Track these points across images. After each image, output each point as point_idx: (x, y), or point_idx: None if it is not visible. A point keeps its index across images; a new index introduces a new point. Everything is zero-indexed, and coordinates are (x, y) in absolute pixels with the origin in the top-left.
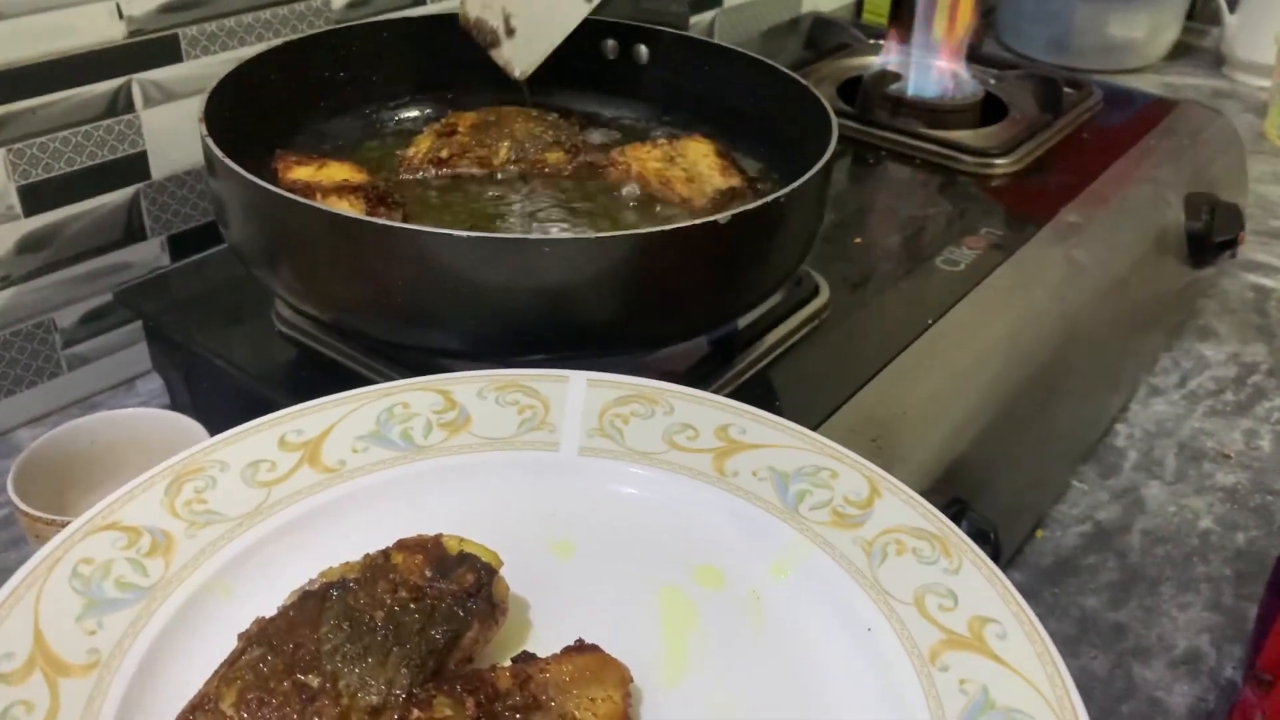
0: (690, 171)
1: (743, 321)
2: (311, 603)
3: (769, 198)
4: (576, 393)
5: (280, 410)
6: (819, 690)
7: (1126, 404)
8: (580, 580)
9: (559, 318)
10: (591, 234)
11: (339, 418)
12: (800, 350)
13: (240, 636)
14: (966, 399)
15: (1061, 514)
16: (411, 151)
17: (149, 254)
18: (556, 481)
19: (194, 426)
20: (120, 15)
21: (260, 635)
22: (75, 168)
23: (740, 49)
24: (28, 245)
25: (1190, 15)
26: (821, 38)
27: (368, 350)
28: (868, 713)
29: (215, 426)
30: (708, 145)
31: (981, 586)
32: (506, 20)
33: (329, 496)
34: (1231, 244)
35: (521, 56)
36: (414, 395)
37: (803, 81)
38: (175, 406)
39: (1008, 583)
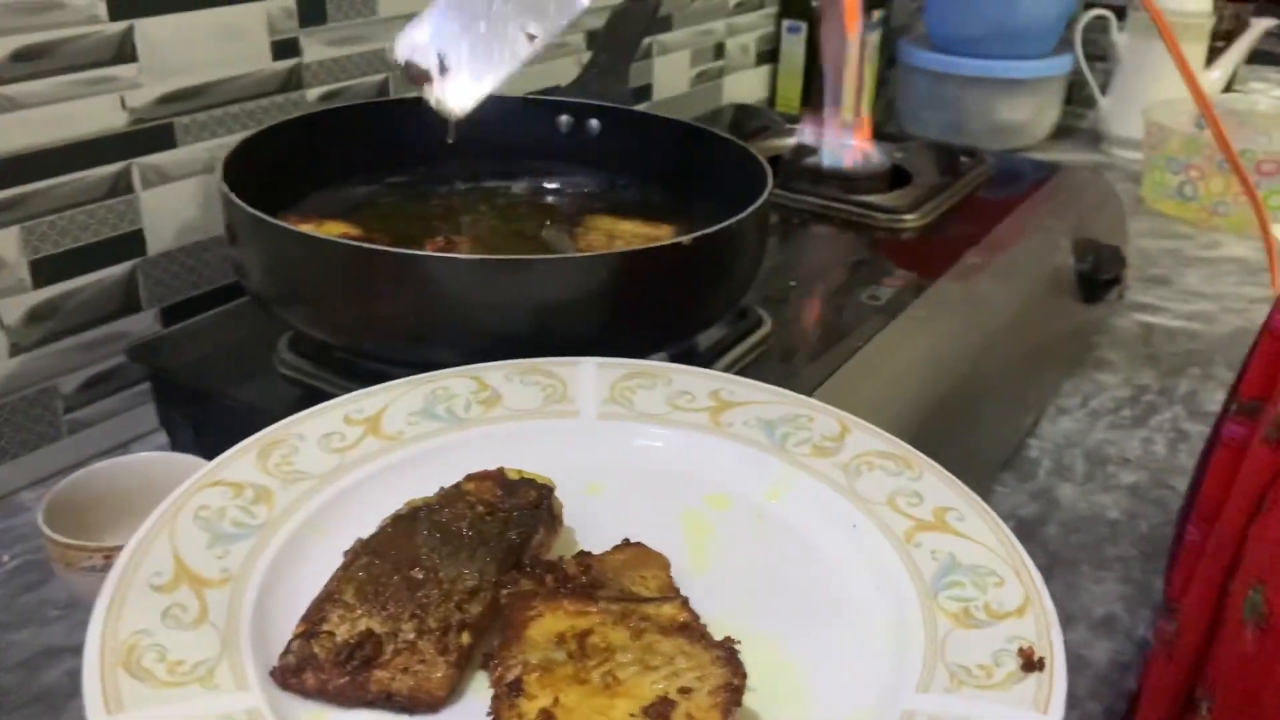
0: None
1: (700, 347)
2: (405, 522)
3: (725, 223)
4: (588, 373)
5: (338, 397)
6: (819, 573)
7: (1037, 422)
8: (612, 511)
9: (546, 330)
10: (578, 254)
11: (391, 400)
12: (748, 372)
13: (346, 552)
14: (893, 413)
15: None
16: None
17: (144, 324)
18: (581, 441)
19: (205, 465)
20: (123, 106)
21: (366, 548)
22: (80, 244)
23: (681, 119)
24: (35, 315)
25: (1069, 100)
26: (743, 122)
27: (365, 381)
28: (861, 584)
29: None
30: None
31: (940, 487)
32: (441, 60)
33: (393, 459)
34: (1115, 282)
35: (456, 96)
36: (452, 381)
37: (737, 140)
38: None
39: (960, 483)
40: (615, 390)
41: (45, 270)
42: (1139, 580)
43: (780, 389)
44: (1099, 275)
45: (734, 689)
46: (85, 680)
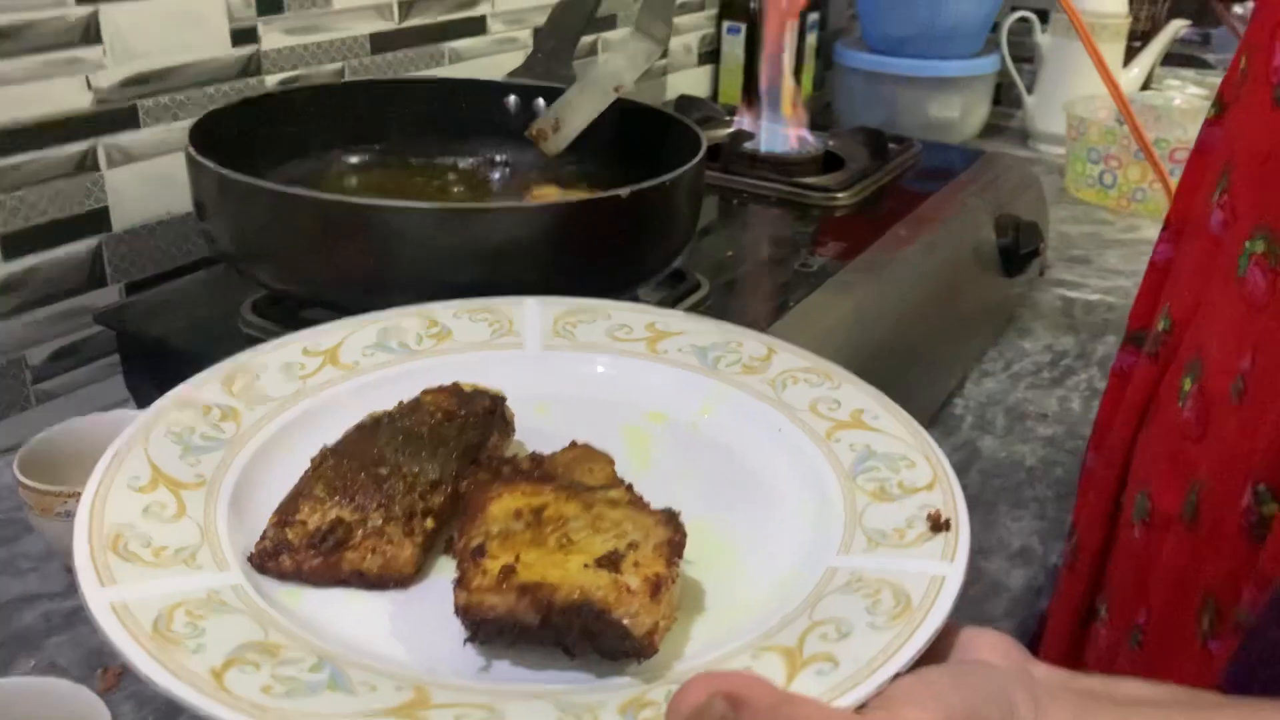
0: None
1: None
2: (368, 428)
3: (661, 178)
4: (532, 310)
5: (297, 332)
6: (749, 469)
7: (961, 384)
8: (558, 428)
9: (496, 278)
10: (525, 203)
11: (346, 334)
12: None
13: (314, 457)
14: None
15: None
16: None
17: (109, 299)
18: (527, 369)
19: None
20: (89, 86)
21: (333, 451)
22: (47, 218)
23: (625, 97)
24: (4, 287)
25: (997, 100)
26: (686, 111)
27: None
28: (786, 476)
29: None
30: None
31: (857, 393)
32: (557, 123)
33: (351, 385)
34: (1035, 255)
35: (556, 141)
36: (403, 319)
37: (675, 115)
38: None
39: (876, 390)
40: (558, 324)
41: (14, 244)
42: (1053, 517)
43: (713, 319)
44: (1019, 248)
45: (675, 543)
46: (77, 560)
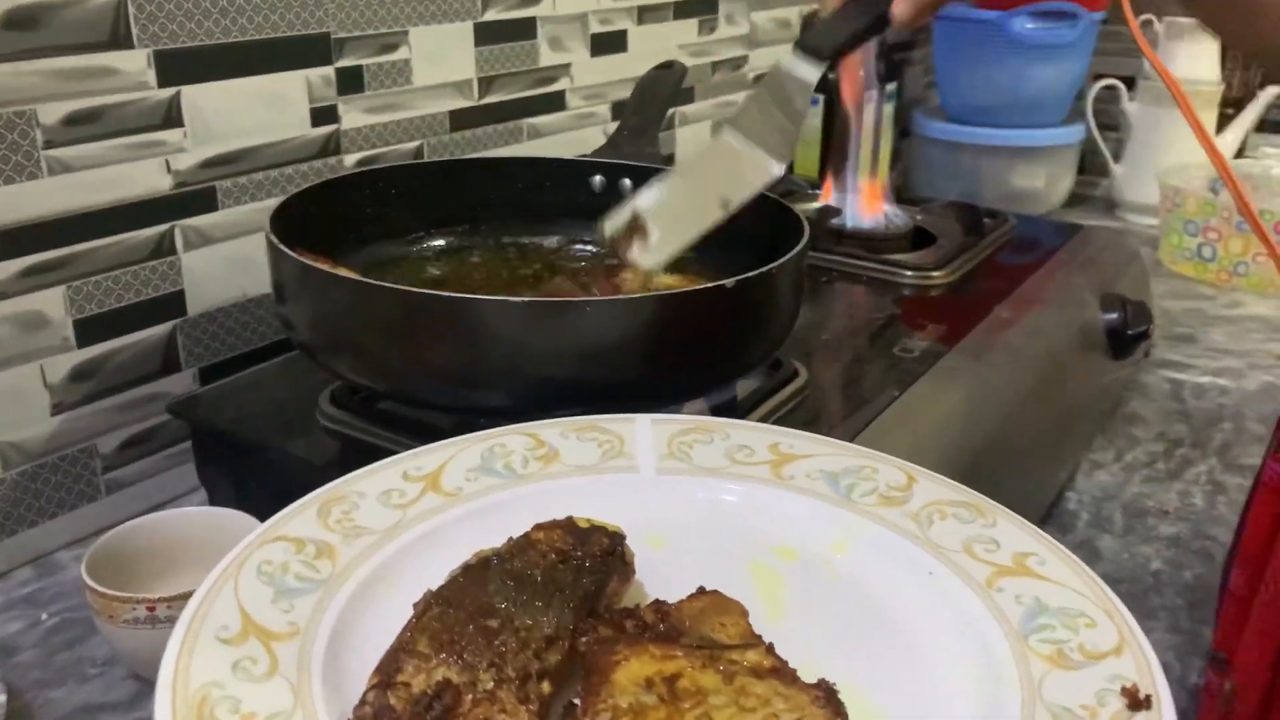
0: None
1: (739, 396)
2: (476, 571)
3: (767, 267)
4: (644, 429)
5: (396, 455)
6: (899, 620)
7: (1073, 476)
8: (678, 564)
9: (590, 373)
10: (622, 295)
11: (449, 456)
12: (787, 421)
13: (416, 604)
14: (930, 464)
15: None
16: None
17: (183, 385)
18: (640, 495)
19: (250, 521)
20: (168, 169)
21: (437, 598)
22: (122, 304)
23: None
24: (79, 375)
25: (1082, 169)
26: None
27: (406, 432)
28: (943, 631)
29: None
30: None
31: (1017, 534)
32: (643, 228)
33: (454, 514)
34: (1144, 336)
35: (652, 254)
36: (508, 438)
37: (774, 196)
38: None
39: (1038, 529)
40: (673, 445)
41: (88, 330)
42: (1187, 629)
43: (840, 441)
44: (1128, 328)
45: None
46: None
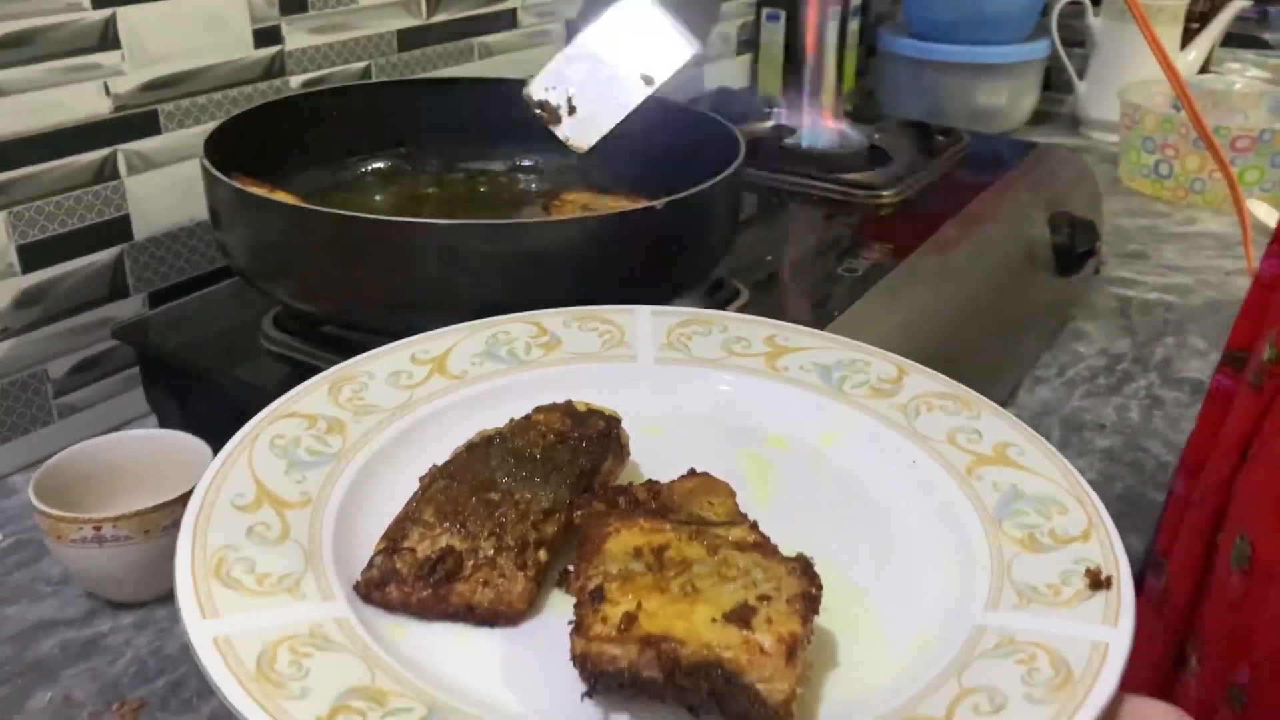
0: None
1: None
2: (479, 448)
3: (697, 188)
4: (644, 320)
5: (404, 339)
6: (881, 505)
7: (1015, 392)
8: (673, 450)
9: (525, 294)
10: (553, 218)
11: (455, 341)
12: None
13: (423, 477)
14: None
15: None
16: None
17: (131, 309)
18: (639, 384)
19: (199, 443)
20: (107, 93)
21: (442, 472)
22: (67, 229)
23: (661, 95)
24: (24, 300)
25: (1047, 85)
26: (724, 105)
27: (349, 354)
28: (923, 515)
29: (216, 445)
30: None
31: (999, 425)
32: (569, 100)
33: (460, 396)
34: (1090, 254)
35: (582, 133)
36: (511, 326)
37: (710, 114)
38: None
39: (1021, 422)
40: (671, 336)
41: (33, 255)
42: (1132, 551)
43: (835, 335)
44: (1074, 247)
45: (811, 598)
46: (179, 589)
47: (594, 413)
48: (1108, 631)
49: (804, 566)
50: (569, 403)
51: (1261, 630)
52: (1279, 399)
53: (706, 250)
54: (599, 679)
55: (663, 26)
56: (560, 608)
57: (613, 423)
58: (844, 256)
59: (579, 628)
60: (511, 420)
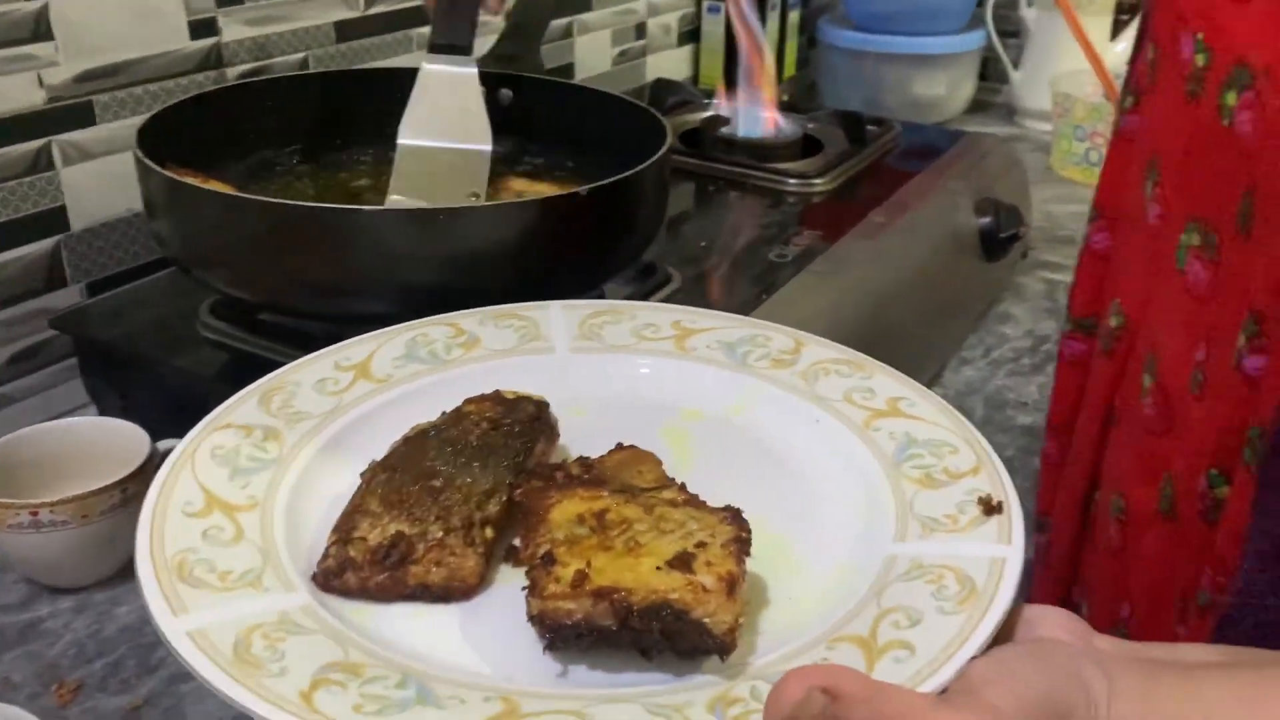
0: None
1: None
2: (415, 441)
3: (622, 174)
4: (556, 313)
5: (325, 348)
6: (791, 463)
7: (940, 372)
8: (596, 429)
9: (456, 280)
10: (484, 204)
11: (375, 347)
12: None
13: (363, 473)
14: None
15: None
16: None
17: (70, 299)
18: (558, 373)
19: (137, 431)
20: (40, 84)
21: (383, 466)
22: (2, 220)
23: (587, 85)
24: None
25: (983, 75)
26: (663, 96)
27: (286, 342)
28: (830, 468)
29: (155, 433)
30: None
31: (891, 383)
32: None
33: (387, 397)
34: (1015, 239)
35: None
36: (429, 328)
37: (640, 103)
38: None
39: (909, 379)
40: (584, 326)
41: None
42: (1030, 510)
43: (736, 315)
44: (999, 232)
45: (743, 541)
46: (146, 592)
47: (523, 399)
48: (1003, 549)
49: (734, 515)
50: (497, 392)
51: (1137, 573)
52: (1130, 362)
53: (634, 235)
54: (556, 634)
55: (453, 152)
56: (510, 581)
57: (542, 406)
58: (775, 242)
59: (534, 590)
60: (444, 413)
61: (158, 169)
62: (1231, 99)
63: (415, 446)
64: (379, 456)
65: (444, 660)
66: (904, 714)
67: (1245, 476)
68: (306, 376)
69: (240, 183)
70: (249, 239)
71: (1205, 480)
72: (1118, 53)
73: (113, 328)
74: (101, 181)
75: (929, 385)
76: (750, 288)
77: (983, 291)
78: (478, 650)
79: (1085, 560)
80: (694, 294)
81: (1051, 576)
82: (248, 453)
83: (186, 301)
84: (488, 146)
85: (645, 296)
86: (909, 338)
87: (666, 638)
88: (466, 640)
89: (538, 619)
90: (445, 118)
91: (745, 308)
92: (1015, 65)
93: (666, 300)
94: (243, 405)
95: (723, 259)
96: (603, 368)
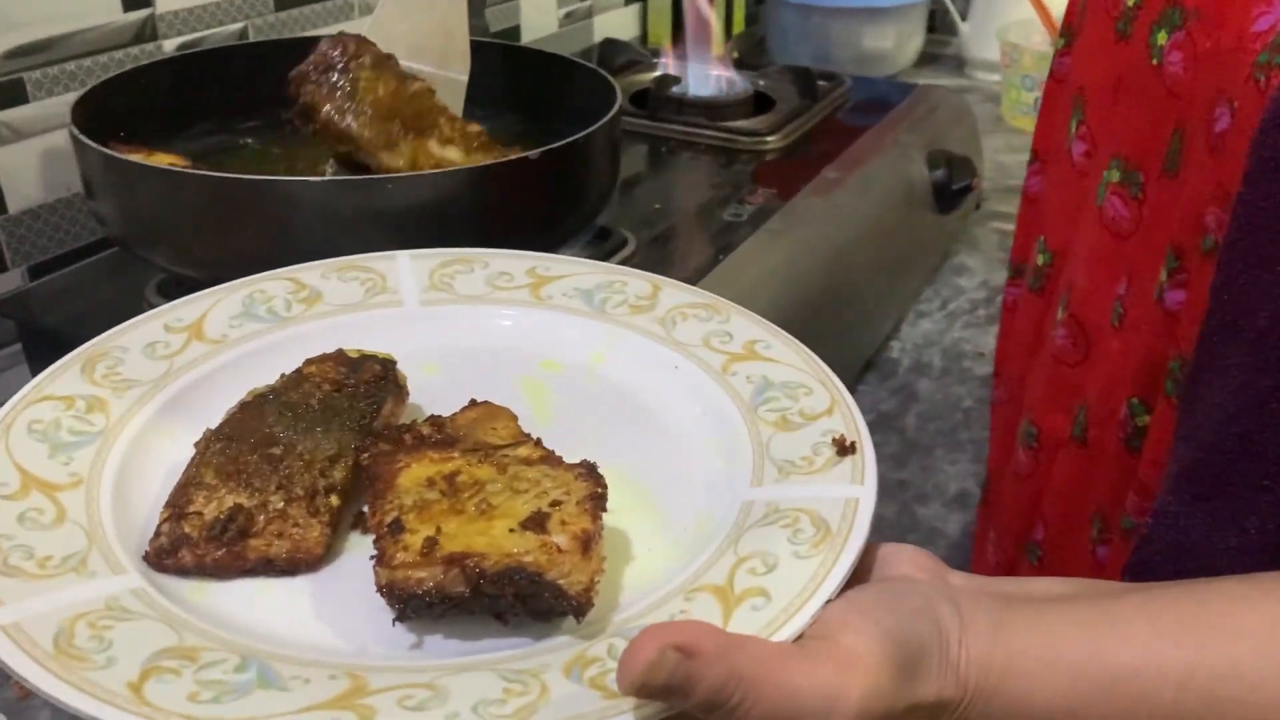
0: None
1: None
2: (253, 407)
3: (572, 138)
4: (405, 264)
5: (154, 309)
6: (651, 410)
7: (898, 326)
8: (451, 386)
9: (403, 246)
10: (428, 170)
11: (209, 305)
12: None
13: (197, 443)
14: None
15: None
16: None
17: (11, 284)
18: (408, 327)
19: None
20: None
21: (218, 435)
22: None
23: (534, 47)
24: None
25: (931, 28)
26: (611, 57)
27: None
28: (689, 414)
29: None
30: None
31: (748, 325)
32: None
33: (222, 360)
34: (968, 190)
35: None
36: (267, 284)
37: (588, 64)
38: None
39: (767, 321)
40: (434, 277)
41: None
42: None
43: (591, 260)
44: (952, 184)
45: (599, 496)
46: None
47: (367, 358)
48: (856, 489)
49: (589, 470)
50: (339, 351)
51: (1049, 497)
52: (1055, 296)
53: (586, 199)
54: (407, 604)
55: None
56: (358, 550)
57: (388, 365)
58: (729, 202)
59: (381, 559)
60: (283, 376)
61: (94, 145)
62: (1162, 38)
63: (253, 412)
64: (215, 423)
65: (293, 637)
66: (759, 668)
67: (1166, 406)
68: (134, 340)
69: (195, 158)
70: (190, 215)
71: (1126, 409)
72: (1064, 1)
73: (57, 311)
74: (37, 161)
75: (886, 339)
76: (707, 248)
77: (937, 244)
78: (329, 624)
79: (999, 487)
80: (650, 257)
81: (983, 515)
82: (69, 425)
83: (132, 282)
84: (464, 76)
85: (603, 259)
86: (865, 293)
87: (521, 601)
88: (317, 614)
89: (387, 589)
90: (422, 33)
91: (702, 269)
92: (964, 17)
93: (624, 264)
94: (63, 375)
95: (678, 220)
96: (455, 320)
